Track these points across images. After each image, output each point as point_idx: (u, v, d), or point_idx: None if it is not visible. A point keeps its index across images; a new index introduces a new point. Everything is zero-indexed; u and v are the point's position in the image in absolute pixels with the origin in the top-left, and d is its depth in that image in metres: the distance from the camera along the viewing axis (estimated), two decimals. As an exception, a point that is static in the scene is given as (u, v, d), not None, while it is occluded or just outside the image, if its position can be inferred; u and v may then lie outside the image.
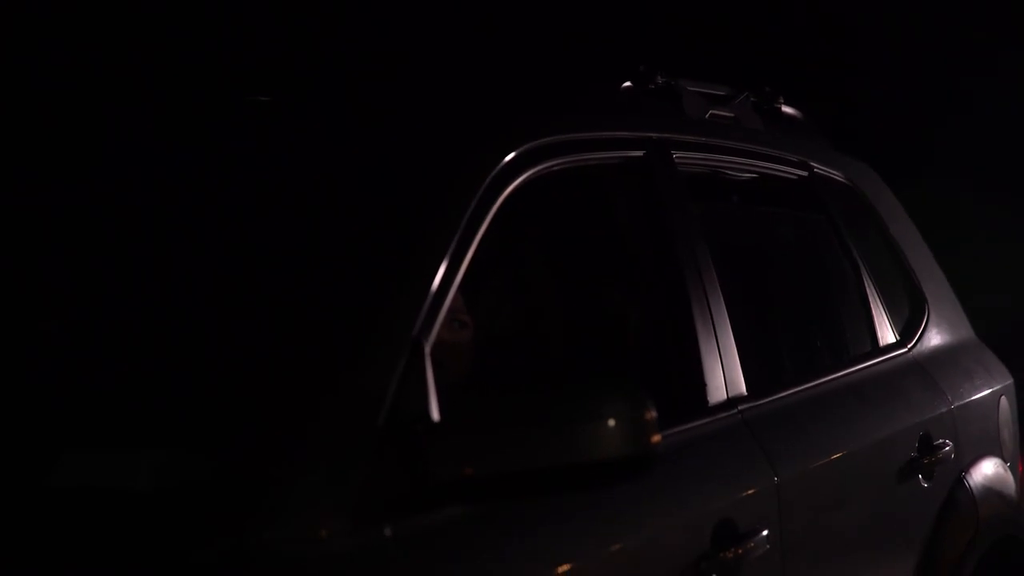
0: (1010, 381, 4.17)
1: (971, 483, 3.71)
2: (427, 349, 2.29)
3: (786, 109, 3.97)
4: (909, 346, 3.80)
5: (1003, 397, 4.08)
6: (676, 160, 3.16)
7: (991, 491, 3.79)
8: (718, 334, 2.99)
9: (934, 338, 3.90)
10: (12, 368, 2.58)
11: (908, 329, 3.86)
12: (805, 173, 3.74)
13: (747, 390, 3.03)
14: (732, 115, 3.70)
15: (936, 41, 8.47)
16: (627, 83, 3.39)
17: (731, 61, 7.58)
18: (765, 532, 2.81)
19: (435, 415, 2.24)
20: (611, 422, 2.23)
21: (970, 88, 8.46)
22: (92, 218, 2.84)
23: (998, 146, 8.28)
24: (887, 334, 3.75)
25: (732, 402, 2.98)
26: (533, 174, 2.69)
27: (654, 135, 3.14)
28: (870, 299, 3.75)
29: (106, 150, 3.06)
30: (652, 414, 2.27)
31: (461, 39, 7.10)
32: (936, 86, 8.52)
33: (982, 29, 8.37)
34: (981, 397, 3.94)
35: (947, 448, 3.60)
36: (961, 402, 3.80)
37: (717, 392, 2.95)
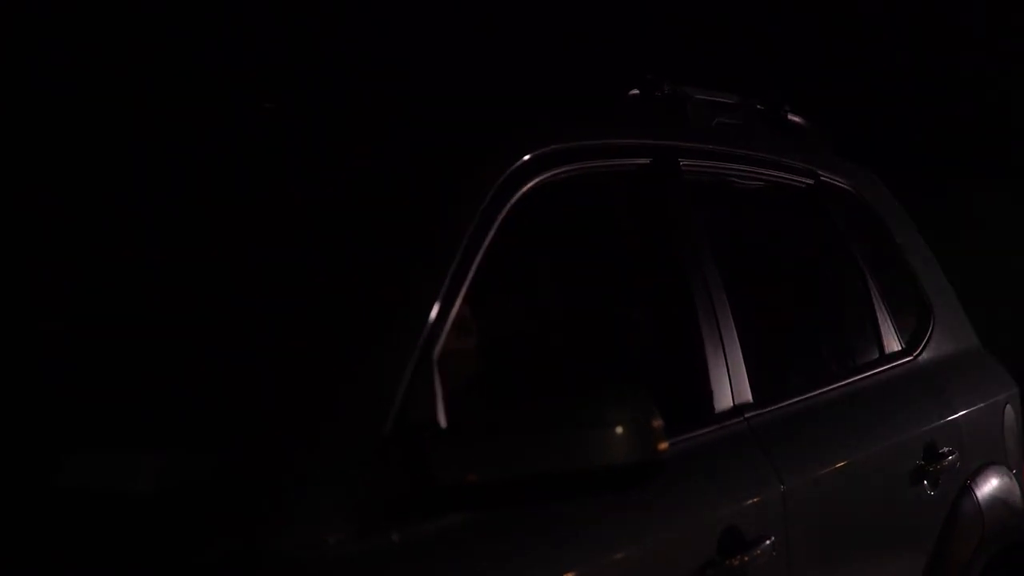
0: (1015, 389, 4.16)
1: (976, 491, 3.70)
2: (435, 355, 2.28)
3: (792, 116, 3.96)
4: (914, 354, 3.79)
5: (1008, 405, 4.08)
6: (683, 168, 3.15)
7: (996, 499, 3.79)
8: (724, 341, 2.99)
9: (939, 346, 3.89)
10: (14, 368, 2.57)
11: (913, 337, 3.85)
12: (811, 181, 3.73)
13: (753, 398, 3.03)
14: (738, 123, 3.69)
15: (945, 37, 8.45)
16: (634, 91, 3.38)
17: (732, 62, 7.58)
18: (771, 540, 2.80)
19: (442, 421, 2.23)
20: (618, 429, 2.23)
21: (983, 87, 8.44)
22: (96, 219, 2.83)
23: (1015, 148, 8.25)
24: (892, 342, 3.74)
25: (738, 410, 2.97)
26: (540, 181, 2.68)
27: (661, 143, 3.14)
28: (875, 307, 3.74)
29: (117, 152, 3.05)
30: (659, 421, 2.26)
31: (461, 41, 7.09)
32: (943, 84, 8.51)
33: (999, 24, 8.35)
34: (986, 405, 3.94)
35: (952, 456, 3.59)
36: (966, 410, 3.80)
37: (723, 399, 2.94)
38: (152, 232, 2.76)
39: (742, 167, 3.47)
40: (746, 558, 2.72)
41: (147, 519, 2.11)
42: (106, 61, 6.04)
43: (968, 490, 3.68)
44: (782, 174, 3.64)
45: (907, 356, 3.77)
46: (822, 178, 3.78)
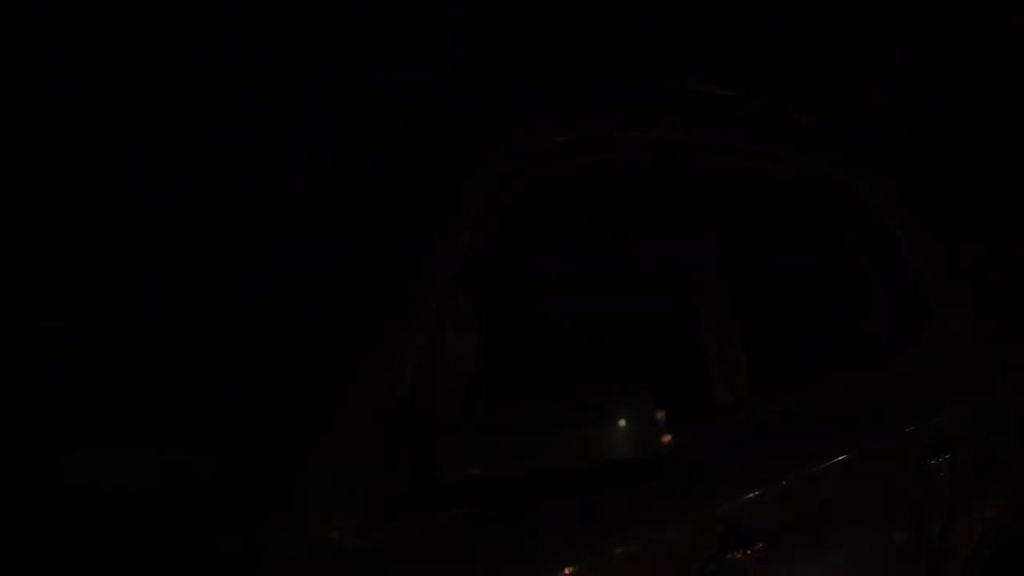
0: (1016, 387, 4.15)
1: (978, 487, 3.69)
2: (436, 353, 2.28)
3: (794, 111, 3.96)
4: (916, 351, 3.78)
5: (1009, 402, 4.06)
6: (685, 161, 3.15)
7: (998, 495, 3.78)
8: (726, 336, 2.98)
9: (941, 343, 3.88)
10: (14, 368, 2.56)
11: (917, 332, 3.84)
12: (813, 175, 3.73)
13: (755, 392, 3.02)
14: (741, 117, 3.68)
15: (945, 37, 8.45)
16: (635, 85, 3.38)
17: (732, 62, 7.57)
18: (772, 535, 2.80)
19: (444, 418, 2.23)
20: (620, 424, 2.22)
21: (983, 87, 8.44)
22: (96, 219, 2.82)
23: (1015, 148, 8.24)
24: (896, 337, 3.74)
25: (740, 404, 2.97)
26: (542, 175, 2.68)
27: (663, 136, 3.14)
28: (878, 301, 3.73)
29: (117, 152, 3.04)
30: (661, 415, 2.26)
31: (460, 40, 7.10)
32: (943, 84, 8.50)
33: (999, 24, 8.34)
34: (987, 403, 3.93)
35: (953, 454, 3.58)
36: (968, 406, 3.79)
37: (725, 395, 2.94)
38: (152, 232, 2.75)
39: (744, 161, 3.47)
40: (748, 552, 2.72)
41: (147, 519, 2.10)
42: (106, 61, 6.04)
43: (969, 488, 3.67)
44: (784, 168, 3.63)
45: (909, 352, 3.76)
46: (823, 171, 3.77)
